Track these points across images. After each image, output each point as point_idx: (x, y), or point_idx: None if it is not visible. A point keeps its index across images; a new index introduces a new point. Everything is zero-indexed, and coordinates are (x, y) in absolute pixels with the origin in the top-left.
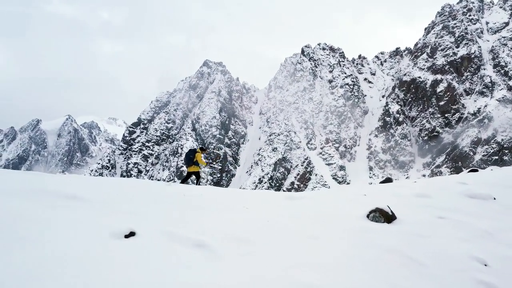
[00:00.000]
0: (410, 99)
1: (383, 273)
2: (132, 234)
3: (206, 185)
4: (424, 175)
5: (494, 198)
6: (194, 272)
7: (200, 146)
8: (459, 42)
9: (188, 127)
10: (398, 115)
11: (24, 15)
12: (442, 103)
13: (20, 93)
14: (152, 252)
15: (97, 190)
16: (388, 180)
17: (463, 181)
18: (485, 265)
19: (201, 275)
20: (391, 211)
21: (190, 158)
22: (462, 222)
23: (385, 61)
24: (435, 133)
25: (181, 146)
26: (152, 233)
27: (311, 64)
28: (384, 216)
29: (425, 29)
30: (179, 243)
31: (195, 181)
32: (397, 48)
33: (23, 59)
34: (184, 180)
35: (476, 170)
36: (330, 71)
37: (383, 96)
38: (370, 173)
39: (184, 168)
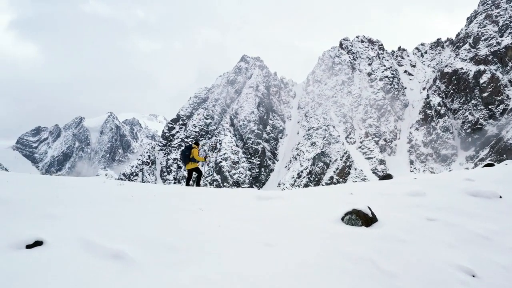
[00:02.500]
0: (452, 91)
1: None
2: (38, 243)
3: (246, 183)
4: (467, 169)
5: (500, 197)
6: None
7: (195, 141)
8: (503, 31)
9: (227, 123)
10: (439, 108)
11: (62, 15)
12: (485, 94)
13: (63, 92)
14: (52, 266)
15: (27, 191)
16: (387, 176)
17: (469, 177)
18: (473, 276)
19: None
20: (372, 213)
21: (186, 155)
22: (454, 224)
23: (425, 52)
24: (478, 126)
25: (220, 142)
26: (65, 241)
27: (349, 57)
28: (362, 218)
29: (467, 18)
30: (93, 254)
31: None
32: (438, 39)
33: (64, 59)
34: (188, 181)
35: (492, 165)
36: (369, 64)
37: (424, 89)
38: (411, 167)
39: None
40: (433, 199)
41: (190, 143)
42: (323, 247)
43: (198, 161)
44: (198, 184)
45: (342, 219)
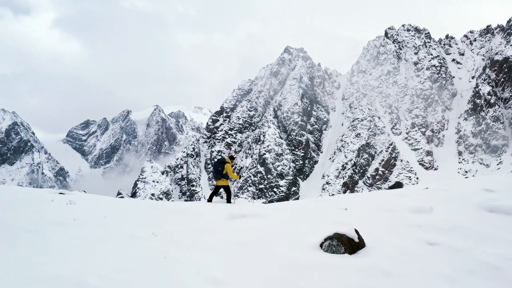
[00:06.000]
0: (502, 80)
1: None
2: None
3: (289, 175)
4: None
5: None
6: None
7: (230, 155)
8: None
9: (270, 115)
10: (489, 97)
11: (103, 12)
12: None
13: (110, 86)
14: None
15: None
16: (397, 185)
17: (489, 188)
18: None
19: None
20: (359, 237)
21: (219, 170)
22: (459, 249)
23: (474, 40)
24: None
25: (263, 134)
26: None
27: (395, 46)
28: (345, 244)
29: None
30: None
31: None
32: (488, 26)
33: (108, 54)
34: (211, 196)
35: None
36: (416, 53)
37: (473, 77)
38: (459, 158)
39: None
40: (439, 216)
41: (226, 155)
42: (286, 285)
43: (231, 179)
44: (229, 202)
45: (321, 245)
